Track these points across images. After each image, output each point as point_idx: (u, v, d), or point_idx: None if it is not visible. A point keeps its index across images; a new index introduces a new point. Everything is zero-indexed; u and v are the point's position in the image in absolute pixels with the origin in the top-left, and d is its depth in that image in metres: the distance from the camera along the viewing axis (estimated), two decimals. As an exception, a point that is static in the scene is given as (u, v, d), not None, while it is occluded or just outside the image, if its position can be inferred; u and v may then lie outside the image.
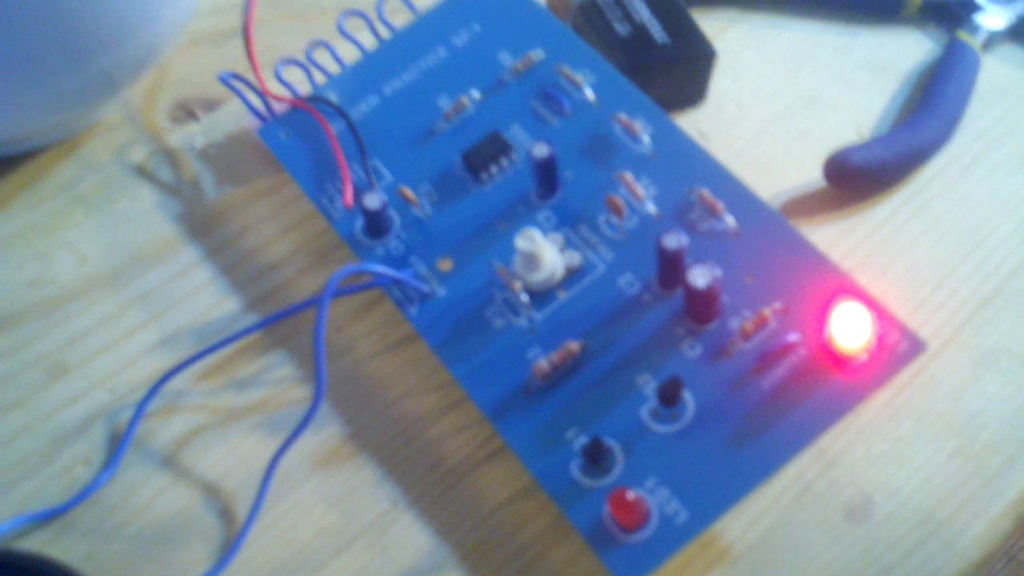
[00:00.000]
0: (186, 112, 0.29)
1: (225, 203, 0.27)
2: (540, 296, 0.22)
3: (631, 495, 0.19)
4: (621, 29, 0.27)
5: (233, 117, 0.29)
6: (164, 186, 0.27)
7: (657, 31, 0.27)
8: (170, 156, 0.28)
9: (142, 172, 0.28)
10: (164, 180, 0.28)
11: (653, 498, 0.19)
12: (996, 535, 0.21)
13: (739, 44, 0.30)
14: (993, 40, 0.30)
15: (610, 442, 0.20)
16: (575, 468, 0.20)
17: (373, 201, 0.23)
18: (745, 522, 0.21)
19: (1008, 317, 0.24)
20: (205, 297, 0.25)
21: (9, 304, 0.25)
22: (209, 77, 0.30)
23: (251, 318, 0.25)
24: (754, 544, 0.21)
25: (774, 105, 0.29)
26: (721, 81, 0.29)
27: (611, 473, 0.20)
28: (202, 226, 0.27)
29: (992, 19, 0.30)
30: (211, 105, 0.29)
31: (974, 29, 0.30)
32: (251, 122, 0.27)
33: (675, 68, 0.27)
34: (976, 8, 0.31)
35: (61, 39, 0.24)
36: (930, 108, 0.27)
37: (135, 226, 0.27)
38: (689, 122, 0.25)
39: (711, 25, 0.30)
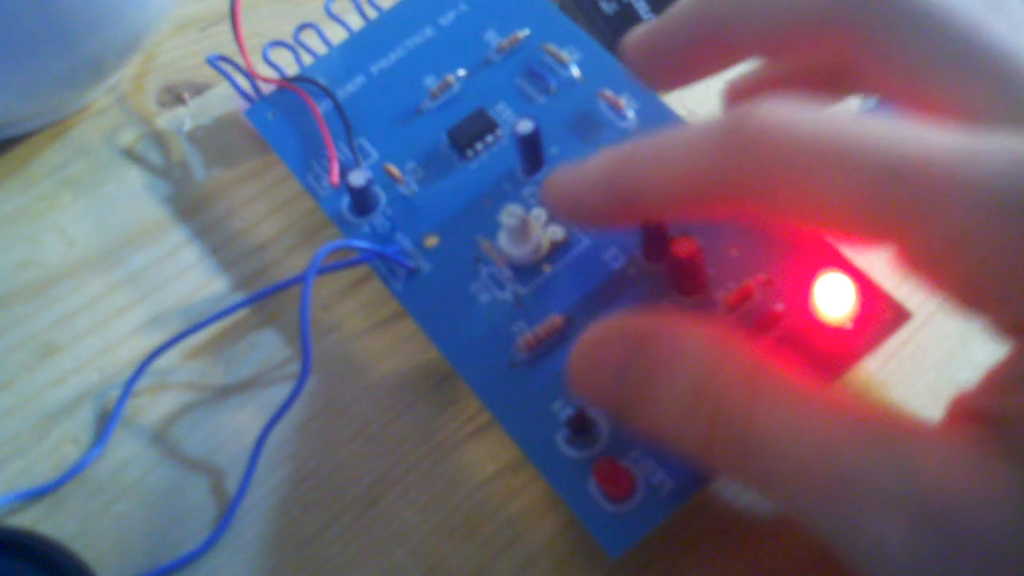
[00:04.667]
0: (174, 96, 0.29)
1: (213, 185, 0.27)
2: (525, 271, 0.22)
3: (616, 465, 0.19)
4: (607, 7, 0.27)
5: (221, 100, 0.29)
6: (152, 169, 0.28)
7: (643, 8, 0.27)
8: (158, 139, 0.28)
9: (130, 155, 0.28)
10: (152, 163, 0.28)
11: (638, 468, 0.19)
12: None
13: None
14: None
15: (595, 413, 0.20)
16: (561, 440, 0.20)
17: (358, 178, 0.23)
18: (733, 491, 0.21)
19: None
20: (193, 277, 0.25)
21: (-1, 286, 0.25)
22: (197, 61, 0.30)
23: (239, 297, 0.25)
24: (741, 514, 0.21)
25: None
26: (707, 60, 0.29)
27: (596, 444, 0.20)
28: (190, 207, 0.27)
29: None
30: (199, 89, 0.29)
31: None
32: (239, 104, 0.27)
33: (661, 47, 0.27)
34: None
35: (48, 22, 0.24)
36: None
37: (123, 208, 0.27)
38: (675, 100, 0.25)
39: (697, 5, 0.30)
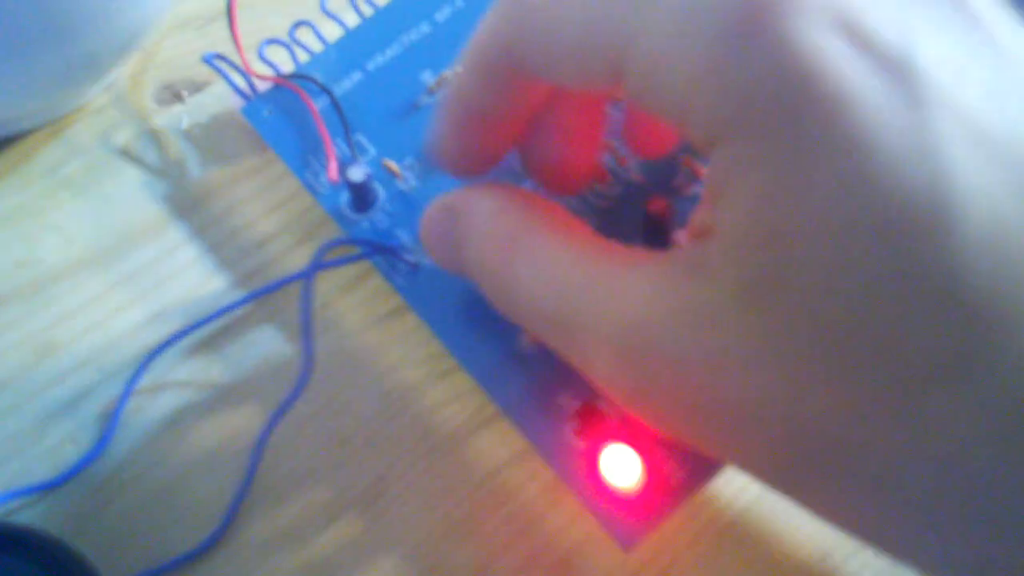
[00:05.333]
0: (172, 94, 0.29)
1: (211, 183, 0.27)
2: (526, 264, 0.22)
3: (625, 451, 0.19)
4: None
5: (218, 98, 0.29)
6: (150, 167, 0.27)
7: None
8: (156, 138, 0.28)
9: (128, 154, 0.28)
10: (150, 161, 0.28)
11: (648, 460, 0.19)
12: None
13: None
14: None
15: (602, 405, 0.20)
16: (570, 431, 0.20)
17: (357, 174, 0.23)
18: (735, 488, 0.21)
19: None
20: (192, 275, 0.25)
21: (-4, 285, 0.25)
22: (194, 59, 0.30)
23: (238, 295, 0.25)
24: (743, 510, 0.21)
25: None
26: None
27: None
28: (188, 205, 0.27)
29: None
30: (197, 87, 0.29)
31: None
32: (235, 102, 0.27)
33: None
34: None
35: (45, 20, 0.24)
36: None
37: (121, 207, 0.27)
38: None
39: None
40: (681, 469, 0.19)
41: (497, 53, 0.17)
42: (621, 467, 0.19)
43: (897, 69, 0.13)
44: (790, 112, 0.13)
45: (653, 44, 0.15)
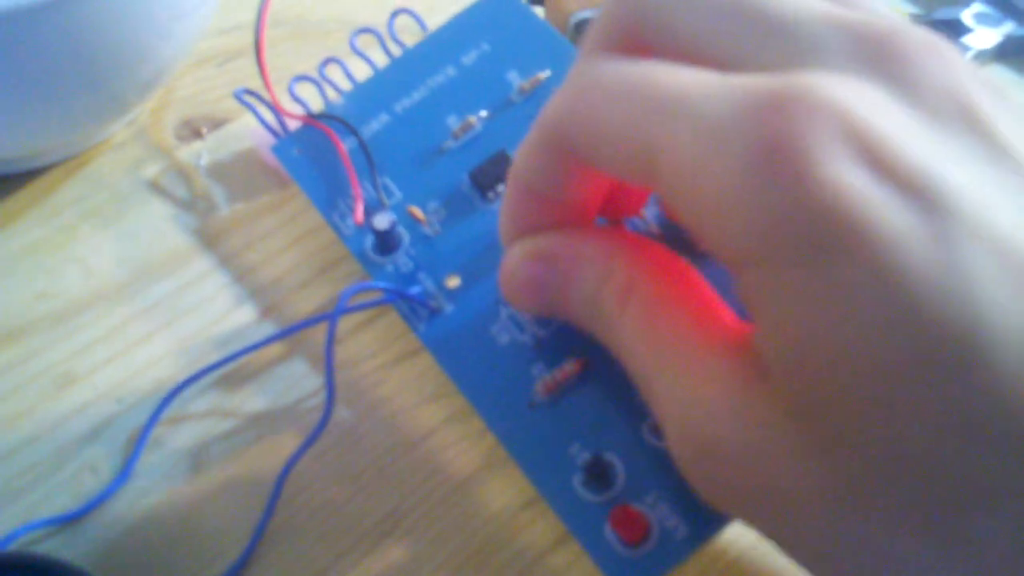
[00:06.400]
0: (192, 130, 0.30)
1: (230, 218, 0.27)
2: (545, 313, 0.22)
3: (632, 510, 0.19)
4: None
5: (238, 135, 0.29)
6: (170, 202, 0.28)
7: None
8: (176, 173, 0.29)
9: (149, 188, 0.28)
10: (170, 196, 0.28)
11: (653, 513, 0.20)
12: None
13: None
14: (981, 60, 0.31)
15: (611, 457, 0.20)
16: (577, 482, 0.20)
17: (383, 222, 0.23)
18: (736, 530, 0.22)
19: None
20: (211, 309, 0.26)
21: (18, 317, 0.26)
22: (214, 96, 0.30)
23: (258, 328, 0.25)
24: (744, 552, 0.22)
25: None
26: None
27: (612, 488, 0.20)
28: (207, 240, 0.27)
29: (980, 40, 0.31)
30: (217, 123, 0.30)
31: (963, 50, 0.31)
32: (261, 138, 0.27)
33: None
34: (964, 30, 0.31)
35: (77, 63, 0.24)
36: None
37: (142, 240, 0.27)
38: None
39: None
40: (686, 523, 0.20)
41: (556, 135, 0.18)
42: (627, 520, 0.20)
43: (923, 198, 0.13)
44: (819, 245, 0.14)
45: (681, 159, 0.15)
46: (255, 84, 0.26)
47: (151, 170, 0.29)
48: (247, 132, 0.29)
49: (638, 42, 0.18)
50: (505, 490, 0.22)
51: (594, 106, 0.17)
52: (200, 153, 0.29)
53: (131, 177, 0.28)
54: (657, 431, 0.20)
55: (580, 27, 0.29)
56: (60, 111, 0.25)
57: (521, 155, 0.19)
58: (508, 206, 0.20)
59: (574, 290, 0.20)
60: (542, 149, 0.19)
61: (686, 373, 0.17)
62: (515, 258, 0.20)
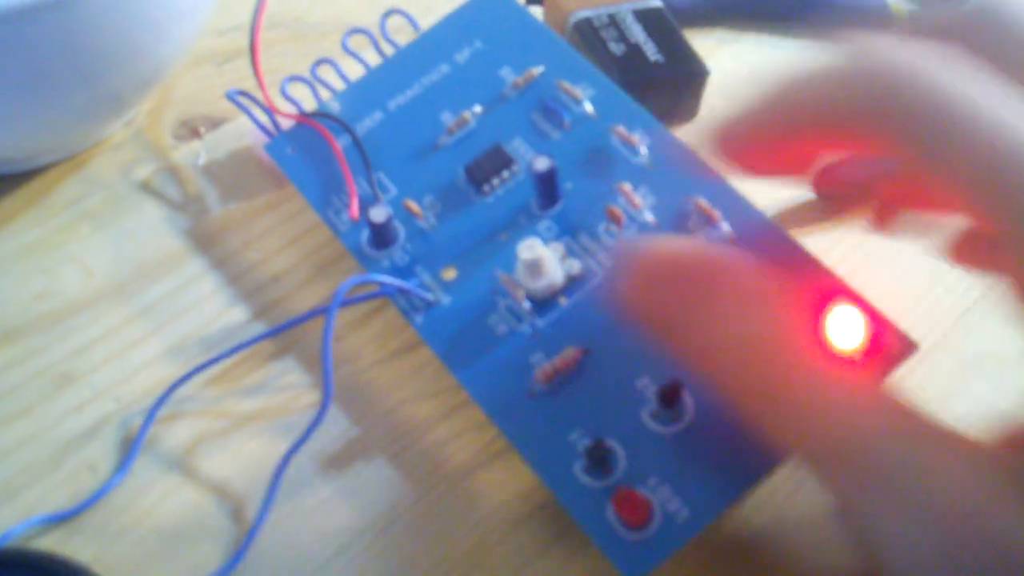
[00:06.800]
0: (189, 130, 0.30)
1: (228, 218, 0.27)
2: (542, 303, 0.22)
3: (634, 494, 0.19)
4: (616, 48, 0.28)
5: (235, 135, 0.29)
6: (168, 201, 0.28)
7: (651, 50, 0.28)
8: (174, 173, 0.29)
9: (147, 188, 0.28)
10: (168, 196, 0.28)
11: (655, 497, 0.20)
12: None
13: (731, 63, 0.31)
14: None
15: (612, 443, 0.20)
16: (579, 469, 0.20)
17: (379, 215, 0.23)
18: (738, 521, 0.22)
19: (992, 322, 0.25)
20: (209, 308, 0.26)
21: (16, 317, 0.26)
22: (212, 96, 0.30)
23: (255, 327, 0.25)
24: (747, 542, 0.21)
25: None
26: (712, 98, 0.29)
27: (614, 473, 0.20)
28: (205, 240, 0.27)
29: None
30: (215, 123, 0.30)
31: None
32: (256, 138, 0.27)
33: (668, 86, 0.28)
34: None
35: (74, 62, 0.24)
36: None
37: (140, 240, 0.27)
38: (681, 138, 0.25)
39: (703, 44, 0.31)
40: (688, 506, 0.20)
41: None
42: (629, 503, 0.20)
43: None
44: None
45: None
46: (253, 84, 0.27)
47: (149, 170, 0.29)
48: (245, 132, 0.29)
49: None
50: (504, 485, 0.22)
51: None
52: (198, 153, 0.29)
53: (129, 177, 0.28)
54: (657, 416, 0.20)
55: (579, 27, 0.29)
56: (57, 111, 0.25)
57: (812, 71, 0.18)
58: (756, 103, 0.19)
59: (723, 327, 0.18)
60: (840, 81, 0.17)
61: (917, 451, 0.15)
62: (657, 258, 0.19)
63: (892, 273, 0.26)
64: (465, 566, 0.21)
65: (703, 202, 0.23)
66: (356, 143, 0.25)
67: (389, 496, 0.22)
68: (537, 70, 0.26)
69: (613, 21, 0.29)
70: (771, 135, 0.19)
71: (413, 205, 0.24)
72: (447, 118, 0.25)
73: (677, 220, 0.23)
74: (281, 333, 0.25)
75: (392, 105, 0.26)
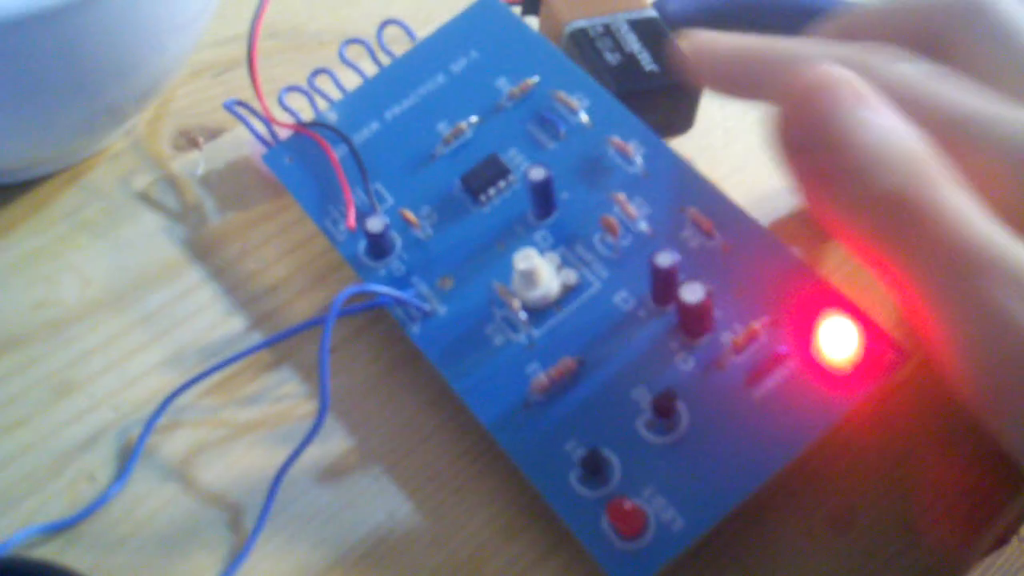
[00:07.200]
0: (188, 140, 0.30)
1: (226, 227, 0.28)
2: (538, 313, 0.23)
3: (629, 504, 0.20)
4: (611, 58, 0.28)
5: (234, 145, 0.30)
6: (167, 211, 0.28)
7: (646, 60, 0.28)
8: (172, 182, 0.29)
9: (145, 198, 0.28)
10: (167, 206, 0.28)
11: (650, 506, 0.20)
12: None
13: (725, 74, 0.31)
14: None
15: (608, 453, 0.21)
16: (574, 479, 0.21)
17: (376, 224, 0.23)
18: (733, 531, 0.22)
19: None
20: (207, 317, 0.26)
21: (15, 326, 0.26)
22: (210, 107, 0.31)
23: (253, 337, 0.25)
24: (741, 553, 0.22)
25: (760, 132, 0.30)
26: (708, 108, 0.29)
27: (609, 483, 0.20)
28: (203, 249, 0.27)
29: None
30: (213, 133, 0.30)
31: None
32: (254, 148, 0.28)
33: (664, 96, 0.28)
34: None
35: (73, 73, 0.24)
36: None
37: (139, 250, 0.27)
38: (677, 148, 0.26)
39: (698, 55, 0.31)
40: (683, 516, 0.20)
41: None
42: (624, 514, 0.20)
43: None
44: None
45: None
46: (251, 94, 0.27)
47: (148, 180, 0.29)
48: (243, 142, 0.29)
49: None
50: (500, 495, 0.23)
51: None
52: (197, 163, 0.29)
53: (128, 187, 0.29)
54: (652, 426, 0.21)
55: (574, 37, 0.29)
56: (56, 122, 0.26)
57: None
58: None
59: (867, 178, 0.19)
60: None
61: None
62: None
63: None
64: (464, 574, 0.22)
65: (697, 212, 0.23)
66: (353, 153, 0.25)
67: (386, 506, 0.23)
68: (533, 80, 0.26)
69: (608, 31, 0.29)
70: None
71: (410, 215, 0.24)
72: (443, 128, 0.26)
73: (672, 229, 0.23)
74: (278, 344, 0.25)
75: (389, 115, 0.26)
